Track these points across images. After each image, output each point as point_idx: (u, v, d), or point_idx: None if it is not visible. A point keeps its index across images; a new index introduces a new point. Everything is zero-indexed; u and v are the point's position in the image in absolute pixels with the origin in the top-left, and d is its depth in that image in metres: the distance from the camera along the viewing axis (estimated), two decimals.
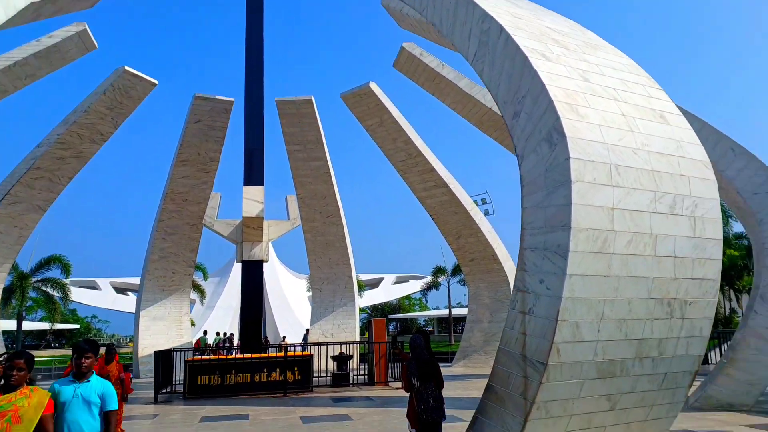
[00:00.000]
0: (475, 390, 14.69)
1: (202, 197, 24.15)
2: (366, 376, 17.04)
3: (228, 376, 15.19)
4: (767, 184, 12.58)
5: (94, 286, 65.66)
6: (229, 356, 15.87)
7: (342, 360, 16.75)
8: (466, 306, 30.32)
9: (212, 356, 15.95)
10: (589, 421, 6.64)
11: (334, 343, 17.42)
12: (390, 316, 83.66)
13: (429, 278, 54.54)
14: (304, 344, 18.84)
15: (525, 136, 7.10)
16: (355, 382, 16.78)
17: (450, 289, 50.64)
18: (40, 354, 51.52)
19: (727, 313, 33.69)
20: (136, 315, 25.77)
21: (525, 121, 7.14)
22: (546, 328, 6.15)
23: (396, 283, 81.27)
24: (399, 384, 15.96)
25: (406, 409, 6.55)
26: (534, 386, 6.17)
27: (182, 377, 15.38)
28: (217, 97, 20.72)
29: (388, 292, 77.85)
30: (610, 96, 7.42)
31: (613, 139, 6.83)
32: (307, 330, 31.36)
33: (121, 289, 63.84)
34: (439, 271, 50.43)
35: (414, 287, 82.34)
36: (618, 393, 6.73)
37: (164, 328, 25.78)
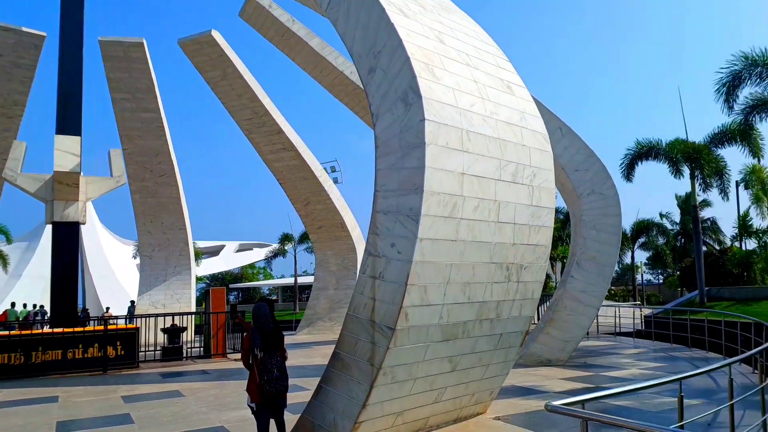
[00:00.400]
0: (320, 357, 14.53)
1: (3, 147, 20.63)
2: (202, 349, 15.98)
3: (34, 353, 13.20)
4: (587, 162, 13.88)
5: None
6: (35, 331, 13.79)
7: (174, 332, 15.49)
8: (313, 274, 30.08)
9: (15, 332, 13.75)
10: (431, 383, 6.69)
11: (164, 315, 16.04)
12: (231, 286, 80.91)
13: (275, 246, 53.09)
14: (131, 317, 17.11)
15: (380, 94, 6.78)
16: (190, 355, 15.66)
17: (297, 257, 49.88)
18: None
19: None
20: None
21: (381, 78, 6.81)
22: (395, 293, 5.98)
23: (239, 251, 78.59)
24: (238, 355, 15.23)
25: (246, 382, 6.01)
26: (381, 352, 6.00)
27: None
28: (24, 29, 17.55)
29: (229, 260, 75.14)
30: (464, 61, 7.38)
31: (466, 105, 6.80)
32: (133, 302, 28.89)
33: None
34: (286, 238, 49.27)
35: (258, 255, 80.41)
36: (459, 354, 6.86)
37: None
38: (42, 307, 30.51)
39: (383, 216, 6.31)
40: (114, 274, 56.30)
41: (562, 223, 34.25)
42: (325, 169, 25.37)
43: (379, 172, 6.49)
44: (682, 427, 4.54)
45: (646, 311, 22.91)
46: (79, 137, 17.11)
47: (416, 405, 6.68)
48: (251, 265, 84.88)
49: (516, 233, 7.11)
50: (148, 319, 15.79)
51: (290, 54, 21.08)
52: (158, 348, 15.48)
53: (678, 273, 37.18)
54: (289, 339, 22.43)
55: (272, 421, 5.92)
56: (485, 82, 7.38)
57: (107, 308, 29.81)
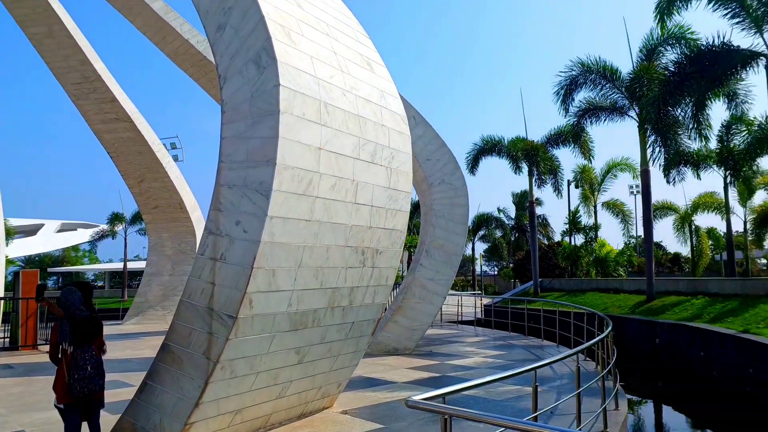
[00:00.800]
0: (148, 349, 13.14)
1: None
2: (7, 340, 13.65)
3: None
4: (439, 152, 14.14)
5: None
6: None
7: None
8: (145, 259, 27.53)
9: None
10: (275, 377, 6.13)
11: None
12: (50, 270, 72.21)
13: (103, 227, 48.07)
14: None
15: (230, 54, 6.01)
16: None
17: (127, 240, 45.72)
18: None
19: None
20: None
21: (231, 37, 6.04)
22: (239, 277, 5.31)
23: (60, 231, 70.26)
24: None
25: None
26: (220, 343, 5.30)
27: None
28: None
29: (49, 241, 66.88)
30: (323, 30, 6.86)
31: (324, 75, 6.30)
32: None
33: None
34: (116, 218, 44.86)
35: (83, 236, 72.66)
36: (307, 345, 6.37)
37: None
38: None
39: (228, 190, 5.58)
40: None
41: (410, 213, 35.36)
42: (164, 145, 23.35)
43: (225, 141, 5.74)
44: (535, 418, 4.51)
45: (486, 300, 24.24)
46: None
47: (257, 401, 6.07)
48: (75, 248, 76.70)
49: (373, 216, 6.78)
50: None
51: (129, 16, 18.90)
52: None
53: (512, 265, 40.43)
54: (113, 329, 20.29)
55: (85, 424, 4.99)
56: (345, 55, 6.93)
57: None
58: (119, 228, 45.35)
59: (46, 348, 13.60)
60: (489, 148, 23.93)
